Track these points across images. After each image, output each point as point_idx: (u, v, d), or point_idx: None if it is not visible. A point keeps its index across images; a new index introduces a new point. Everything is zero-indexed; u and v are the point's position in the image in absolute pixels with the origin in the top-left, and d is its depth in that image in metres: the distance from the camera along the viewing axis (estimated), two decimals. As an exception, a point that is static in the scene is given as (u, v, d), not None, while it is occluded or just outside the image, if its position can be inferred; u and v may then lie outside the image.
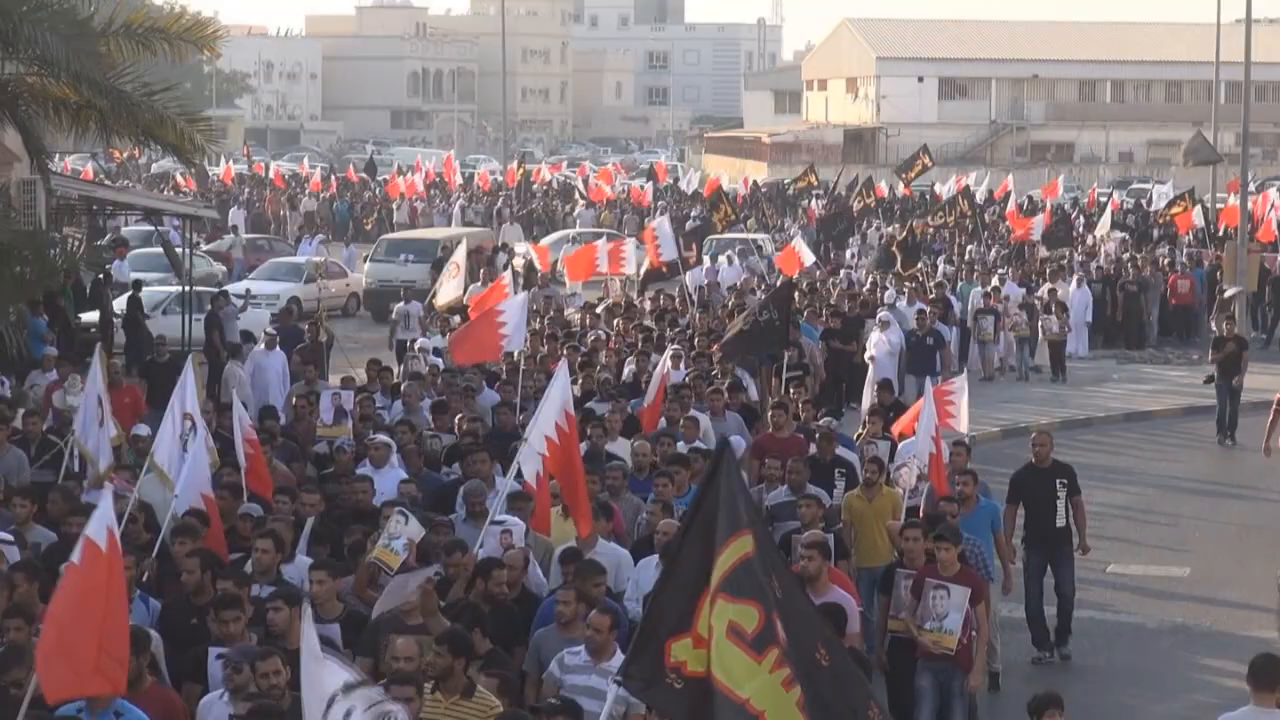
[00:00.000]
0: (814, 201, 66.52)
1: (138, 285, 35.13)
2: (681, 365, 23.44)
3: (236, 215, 63.11)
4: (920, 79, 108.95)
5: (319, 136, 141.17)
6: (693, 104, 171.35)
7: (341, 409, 20.18)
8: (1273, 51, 77.71)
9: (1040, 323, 35.85)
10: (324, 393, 20.90)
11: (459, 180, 76.75)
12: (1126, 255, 45.84)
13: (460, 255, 31.20)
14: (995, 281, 38.29)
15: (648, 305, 32.42)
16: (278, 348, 26.69)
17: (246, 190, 73.48)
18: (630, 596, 13.79)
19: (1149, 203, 65.30)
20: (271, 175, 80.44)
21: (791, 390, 22.04)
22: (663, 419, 20.07)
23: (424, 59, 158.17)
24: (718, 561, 8.30)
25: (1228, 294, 38.73)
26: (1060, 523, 17.77)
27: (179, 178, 70.14)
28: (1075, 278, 39.83)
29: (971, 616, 14.06)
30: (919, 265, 39.59)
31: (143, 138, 22.47)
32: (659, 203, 65.87)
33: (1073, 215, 59.44)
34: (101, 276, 35.64)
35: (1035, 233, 49.43)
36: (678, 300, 32.64)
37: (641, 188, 71.73)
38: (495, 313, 23.34)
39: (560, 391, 15.01)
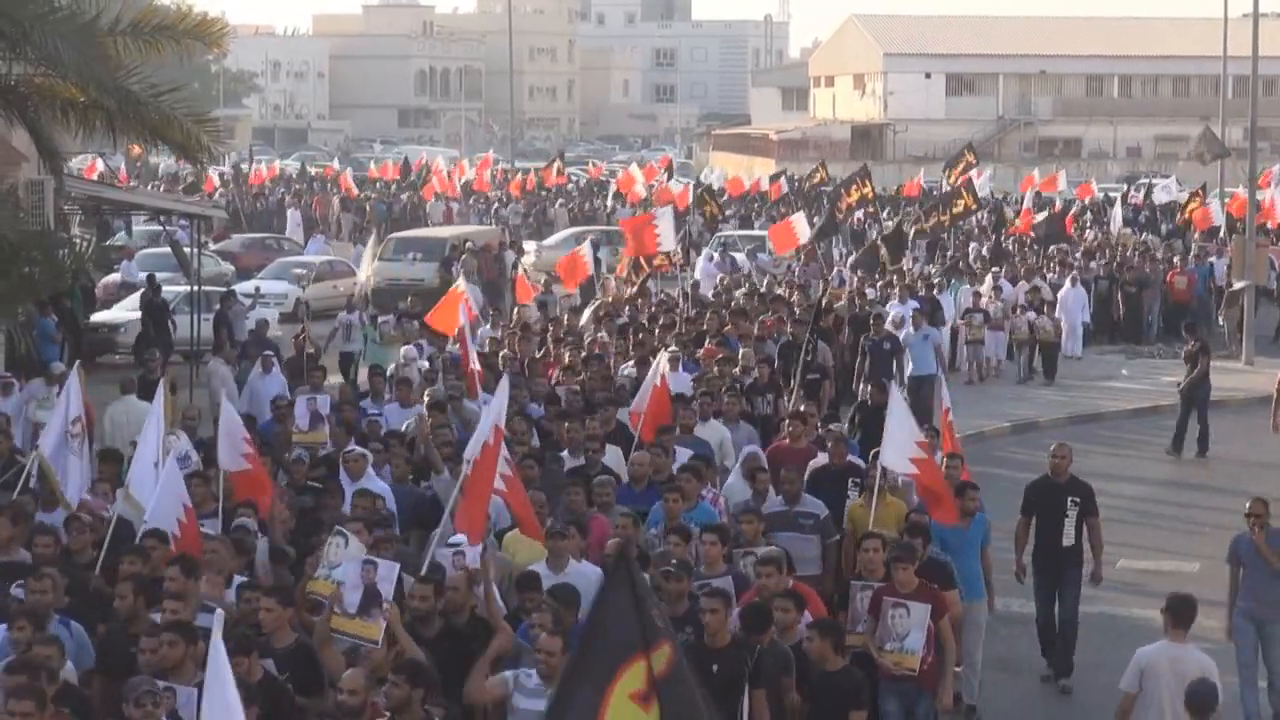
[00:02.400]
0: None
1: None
2: (680, 367, 23.16)
3: (294, 218, 61.37)
4: (928, 75, 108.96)
5: (326, 135, 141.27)
6: (700, 101, 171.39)
7: (318, 414, 19.13)
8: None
9: (1036, 322, 35.08)
10: (299, 399, 19.88)
11: (465, 178, 76.40)
12: (1140, 252, 45.42)
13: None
14: (990, 281, 37.42)
15: (640, 304, 31.98)
16: (275, 370, 25.05)
17: (281, 191, 72.81)
18: None
19: (1146, 193, 65.07)
20: (254, 173, 79.59)
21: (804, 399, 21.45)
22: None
23: (431, 58, 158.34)
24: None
25: (1235, 288, 38.71)
26: (1067, 542, 16.99)
27: (212, 177, 69.78)
28: (1070, 276, 39.32)
29: (934, 634, 13.50)
30: (903, 263, 38.87)
31: (150, 137, 22.45)
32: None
33: (1074, 211, 59.04)
34: (150, 277, 35.28)
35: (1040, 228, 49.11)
36: (677, 297, 32.30)
37: (681, 184, 70.44)
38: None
39: (498, 403, 14.54)
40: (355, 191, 71.29)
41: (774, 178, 70.69)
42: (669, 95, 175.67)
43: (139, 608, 12.15)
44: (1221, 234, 49.86)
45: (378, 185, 75.62)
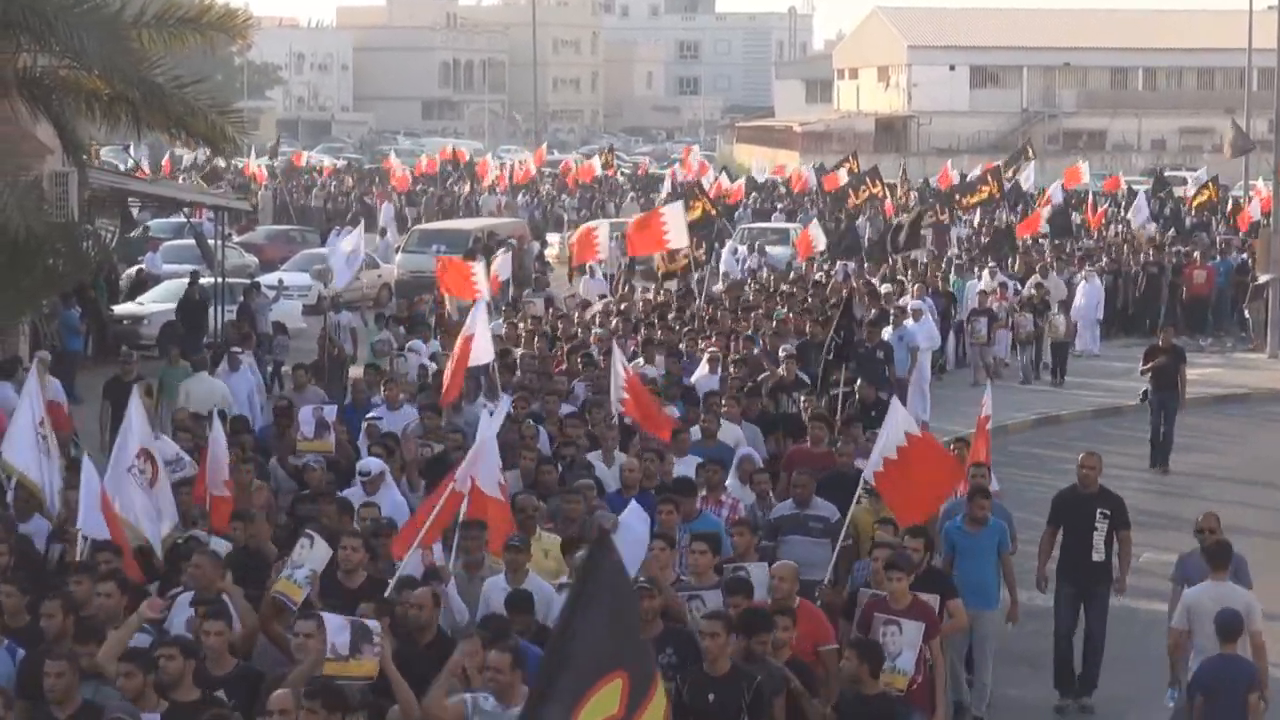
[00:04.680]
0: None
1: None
2: (719, 369, 22.81)
3: (388, 213, 58.67)
4: (952, 67, 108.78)
5: (350, 128, 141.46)
6: (724, 94, 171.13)
7: (323, 421, 18.30)
8: (1306, 38, 77.21)
9: (1052, 319, 34.46)
10: (305, 407, 19.12)
11: (494, 170, 76.19)
12: (1155, 247, 45.01)
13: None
14: (993, 278, 36.58)
15: (641, 301, 31.55)
16: (243, 368, 24.22)
17: (330, 183, 72.39)
18: None
19: (1156, 183, 64.77)
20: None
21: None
22: (696, 429, 18.82)
23: (455, 50, 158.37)
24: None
25: (1260, 281, 38.58)
26: (1097, 557, 16.21)
27: (257, 169, 69.52)
28: (1084, 272, 38.85)
29: (925, 653, 12.86)
30: (903, 256, 38.31)
31: (174, 129, 22.51)
32: (751, 195, 65.05)
33: (1104, 206, 58.73)
34: (194, 275, 34.97)
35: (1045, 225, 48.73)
36: (696, 294, 32.01)
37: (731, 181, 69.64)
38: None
39: (488, 436, 13.89)
40: (408, 183, 71.22)
41: (820, 169, 70.42)
42: (693, 88, 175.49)
43: (68, 627, 11.40)
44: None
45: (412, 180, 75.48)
